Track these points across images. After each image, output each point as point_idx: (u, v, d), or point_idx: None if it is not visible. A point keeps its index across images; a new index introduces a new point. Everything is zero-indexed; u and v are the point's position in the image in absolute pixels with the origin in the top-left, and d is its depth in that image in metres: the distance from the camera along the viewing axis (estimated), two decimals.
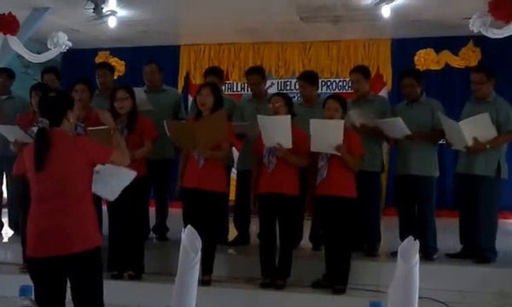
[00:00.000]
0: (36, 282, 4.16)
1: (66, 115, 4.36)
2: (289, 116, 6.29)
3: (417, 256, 2.93)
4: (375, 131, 7.09)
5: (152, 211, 7.90)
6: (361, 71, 7.53)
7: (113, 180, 4.73)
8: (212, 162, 6.40)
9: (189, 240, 3.29)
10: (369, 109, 7.12)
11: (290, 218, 6.49)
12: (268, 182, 6.42)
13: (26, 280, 4.95)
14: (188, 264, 3.23)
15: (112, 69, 8.48)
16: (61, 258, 4.16)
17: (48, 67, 8.42)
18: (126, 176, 4.96)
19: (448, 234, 7.28)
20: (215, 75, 7.83)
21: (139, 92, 7.25)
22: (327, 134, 6.23)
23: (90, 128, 6.17)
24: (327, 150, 6.26)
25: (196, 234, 3.30)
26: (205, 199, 6.35)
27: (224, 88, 11.79)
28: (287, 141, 6.25)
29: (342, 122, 6.22)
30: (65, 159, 4.21)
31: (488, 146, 6.65)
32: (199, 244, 3.29)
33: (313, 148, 6.32)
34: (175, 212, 6.67)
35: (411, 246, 3.03)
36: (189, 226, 3.27)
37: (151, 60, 8.24)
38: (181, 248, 3.21)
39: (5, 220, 8.60)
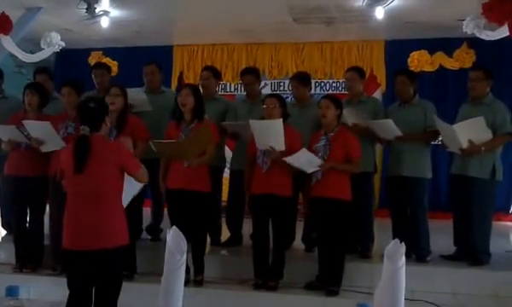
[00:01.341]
0: (69, 273, 4.74)
1: (104, 121, 4.82)
2: (281, 120, 6.25)
3: (403, 258, 2.92)
4: (368, 132, 7.08)
5: (148, 210, 7.96)
6: (356, 70, 7.58)
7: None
8: None
9: (175, 241, 3.29)
10: (362, 110, 7.12)
11: (283, 219, 6.48)
12: (261, 183, 6.40)
13: (19, 280, 4.95)
14: (173, 265, 3.24)
15: (108, 69, 8.42)
16: (93, 253, 4.56)
17: (40, 68, 8.38)
18: (134, 187, 5.08)
19: (442, 235, 7.26)
20: (211, 71, 7.88)
21: (138, 93, 7.24)
22: (313, 162, 6.26)
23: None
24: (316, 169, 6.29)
25: (182, 235, 3.30)
26: (191, 199, 6.35)
27: (218, 88, 11.84)
28: (279, 144, 6.23)
29: (319, 162, 6.23)
30: (101, 162, 4.64)
31: (483, 148, 6.62)
32: (184, 245, 3.29)
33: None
34: None
35: (397, 248, 3.02)
36: (174, 227, 3.27)
37: (151, 60, 8.18)
38: (166, 250, 3.21)
39: None
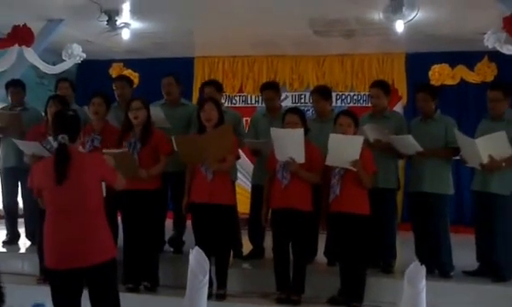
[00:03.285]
0: (55, 291, 4.53)
1: (79, 133, 4.74)
2: (302, 129, 6.25)
3: (424, 281, 2.90)
4: (389, 147, 7.04)
5: (170, 222, 7.97)
6: (381, 86, 7.42)
7: None
8: (221, 175, 6.41)
9: (197, 262, 3.29)
10: (385, 125, 7.05)
11: (303, 234, 6.45)
12: (281, 198, 6.39)
13: (43, 291, 4.96)
14: (196, 286, 3.25)
15: (130, 81, 8.43)
16: (80, 270, 4.42)
17: (63, 77, 8.46)
18: None
19: (465, 251, 7.18)
20: (213, 86, 7.82)
21: (156, 110, 7.23)
22: (345, 149, 6.18)
23: (106, 151, 6.06)
24: (342, 165, 6.21)
25: (204, 256, 3.30)
26: (216, 212, 6.36)
27: (237, 100, 11.92)
28: (299, 156, 6.21)
29: (362, 138, 6.18)
30: (81, 174, 4.49)
31: (504, 164, 6.56)
32: (207, 265, 3.29)
33: (328, 162, 6.28)
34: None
35: (418, 270, 3.00)
36: (196, 248, 3.27)
37: (171, 72, 8.17)
38: (189, 271, 3.22)
39: (22, 230, 8.58)
